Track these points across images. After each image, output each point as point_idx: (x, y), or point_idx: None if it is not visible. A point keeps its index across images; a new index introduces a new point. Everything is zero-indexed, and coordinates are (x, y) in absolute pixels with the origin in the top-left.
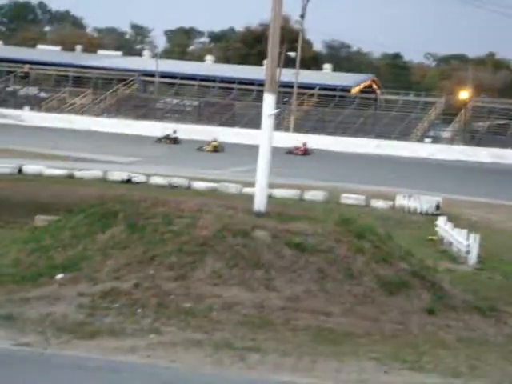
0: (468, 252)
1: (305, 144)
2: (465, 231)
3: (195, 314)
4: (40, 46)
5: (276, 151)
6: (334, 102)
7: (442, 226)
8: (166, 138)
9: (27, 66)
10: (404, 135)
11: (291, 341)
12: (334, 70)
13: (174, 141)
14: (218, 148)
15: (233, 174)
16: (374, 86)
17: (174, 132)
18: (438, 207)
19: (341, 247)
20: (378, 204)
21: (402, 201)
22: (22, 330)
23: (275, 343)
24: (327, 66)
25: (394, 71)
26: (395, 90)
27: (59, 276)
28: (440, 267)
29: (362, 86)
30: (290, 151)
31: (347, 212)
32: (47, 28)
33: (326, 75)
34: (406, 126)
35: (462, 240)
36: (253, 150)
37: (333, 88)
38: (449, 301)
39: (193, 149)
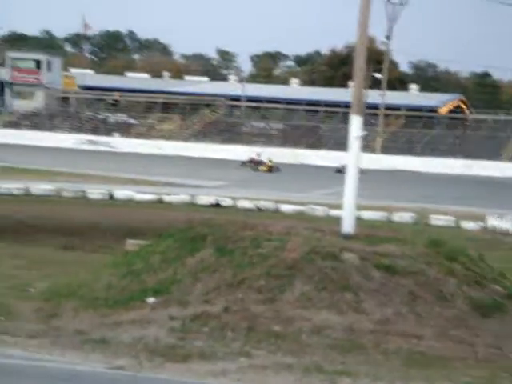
0: None
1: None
2: None
3: (285, 338)
4: (129, 74)
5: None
6: (422, 123)
7: None
8: (251, 161)
9: (117, 93)
10: (494, 155)
11: (382, 364)
12: (421, 90)
13: (259, 164)
14: (272, 168)
15: (319, 196)
16: (463, 106)
17: (258, 155)
18: None
19: (431, 269)
20: (469, 225)
21: (493, 221)
22: (115, 353)
23: (366, 367)
24: (414, 87)
25: (483, 90)
26: (484, 110)
27: (150, 300)
28: None
29: (449, 105)
30: (339, 170)
31: (437, 233)
32: (136, 56)
33: (413, 96)
34: (496, 145)
35: None
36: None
37: (420, 108)
38: None
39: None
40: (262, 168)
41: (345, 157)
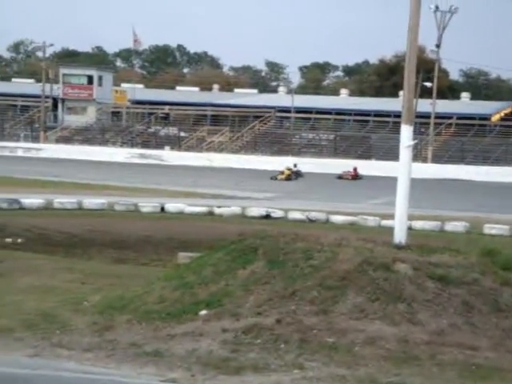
0: None
1: (355, 169)
2: None
3: (338, 349)
4: (179, 88)
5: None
6: (473, 131)
7: None
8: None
9: (167, 107)
10: None
11: (438, 376)
12: (472, 98)
13: (296, 174)
14: (291, 176)
15: (371, 206)
16: None
17: (295, 166)
18: None
19: (486, 279)
20: None
21: None
22: (168, 366)
23: (421, 378)
24: (465, 95)
25: None
26: None
27: (203, 312)
28: None
29: (502, 113)
30: (341, 176)
31: (491, 242)
32: (185, 69)
33: (464, 104)
34: None
35: None
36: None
37: (471, 117)
38: None
39: (324, 182)
40: (279, 177)
41: (395, 166)
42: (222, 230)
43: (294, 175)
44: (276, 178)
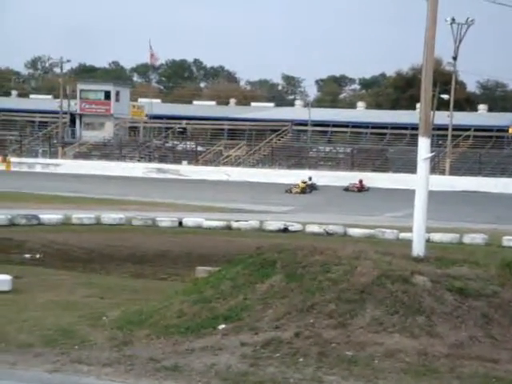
0: None
1: (361, 181)
2: None
3: (357, 363)
4: (196, 102)
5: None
6: (491, 143)
7: None
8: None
9: (184, 121)
10: None
11: None
12: (490, 110)
13: (311, 187)
14: (305, 189)
15: (389, 219)
16: None
17: (310, 179)
18: None
19: (505, 291)
20: None
21: None
22: (188, 380)
23: None
24: (482, 107)
25: None
26: None
27: (221, 326)
28: None
29: None
30: (347, 188)
31: (510, 255)
32: (202, 84)
33: (481, 116)
34: None
35: None
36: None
37: (489, 129)
38: None
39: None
40: (294, 190)
41: (413, 179)
42: (239, 244)
43: (309, 188)
44: (291, 191)
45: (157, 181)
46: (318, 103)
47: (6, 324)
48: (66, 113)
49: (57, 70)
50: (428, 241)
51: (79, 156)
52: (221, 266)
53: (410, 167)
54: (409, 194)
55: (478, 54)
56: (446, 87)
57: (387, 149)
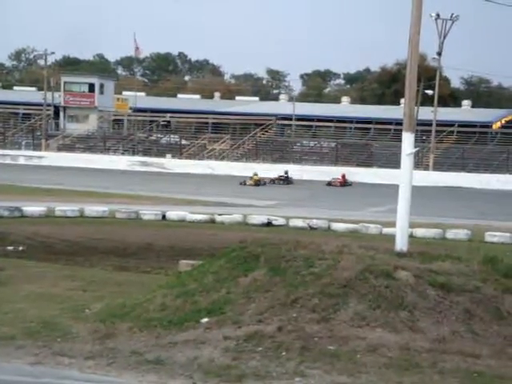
0: None
1: (343, 176)
2: None
3: (340, 357)
4: (180, 95)
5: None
6: (475, 139)
7: None
8: (279, 179)
9: (169, 114)
10: None
11: None
12: (473, 106)
13: (286, 181)
14: (259, 182)
15: (372, 214)
16: None
17: (286, 173)
18: None
19: (487, 287)
20: None
21: None
22: (170, 374)
23: None
24: (466, 103)
25: None
26: None
27: (204, 320)
28: None
29: (503, 121)
30: (330, 183)
31: (493, 250)
32: (187, 77)
33: (465, 112)
34: None
35: None
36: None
37: (473, 124)
38: None
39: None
40: (248, 182)
41: (397, 174)
42: (223, 238)
43: (284, 182)
44: (245, 184)
45: (141, 174)
46: (303, 98)
47: None
48: (49, 105)
49: (41, 62)
50: (411, 236)
51: (63, 148)
52: (204, 259)
53: (394, 162)
54: (392, 189)
55: (463, 50)
56: (431, 83)
57: (371, 144)
